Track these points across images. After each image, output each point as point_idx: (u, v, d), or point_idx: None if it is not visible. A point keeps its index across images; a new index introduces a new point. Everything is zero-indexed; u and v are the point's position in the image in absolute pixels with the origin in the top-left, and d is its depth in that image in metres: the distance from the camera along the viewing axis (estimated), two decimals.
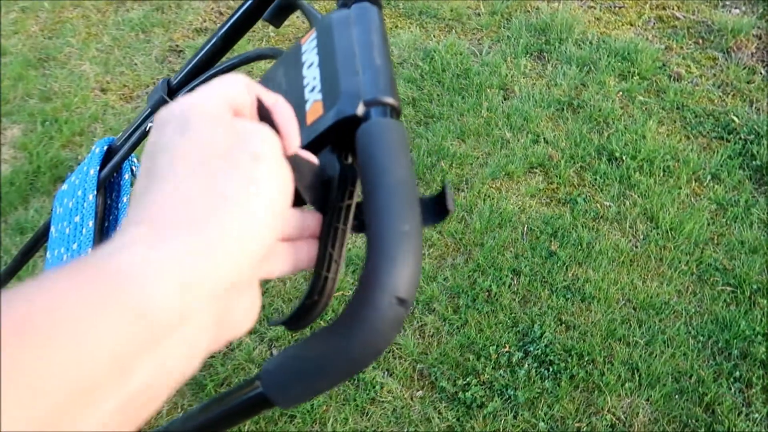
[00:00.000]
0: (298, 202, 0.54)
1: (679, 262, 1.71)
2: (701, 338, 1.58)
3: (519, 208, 1.86)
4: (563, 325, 1.63)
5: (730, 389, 1.50)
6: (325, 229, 0.44)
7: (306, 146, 0.46)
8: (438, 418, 1.52)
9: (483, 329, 1.63)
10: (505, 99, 2.17)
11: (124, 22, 2.75)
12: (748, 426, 1.44)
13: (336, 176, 0.45)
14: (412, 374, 1.61)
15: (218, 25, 2.61)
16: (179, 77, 0.80)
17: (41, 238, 1.09)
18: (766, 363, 1.51)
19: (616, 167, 1.92)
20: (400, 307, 0.36)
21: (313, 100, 0.47)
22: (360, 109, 0.43)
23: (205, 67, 0.79)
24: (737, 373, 1.52)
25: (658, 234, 1.77)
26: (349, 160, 0.48)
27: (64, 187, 0.93)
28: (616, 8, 2.46)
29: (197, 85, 0.79)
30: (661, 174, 1.89)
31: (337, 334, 0.37)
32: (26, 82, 2.53)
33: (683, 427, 1.46)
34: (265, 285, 1.81)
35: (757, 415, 1.46)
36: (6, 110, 2.43)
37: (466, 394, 1.54)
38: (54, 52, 2.65)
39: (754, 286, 1.64)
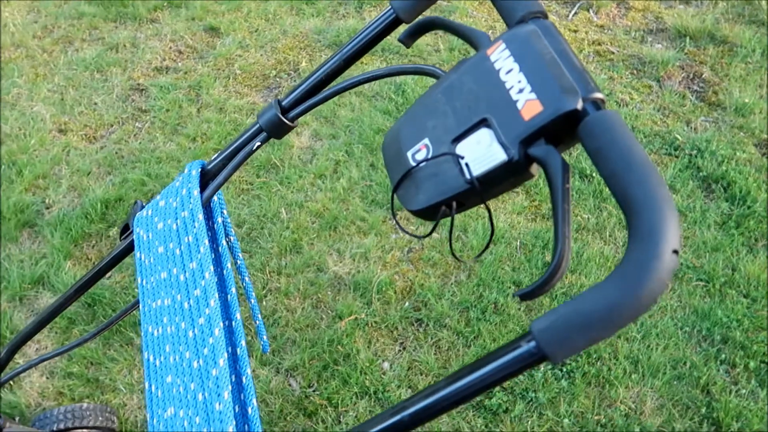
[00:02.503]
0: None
1: None
2: (687, 329, 1.76)
3: (509, 224, 2.00)
4: None
5: (719, 371, 1.68)
6: (558, 212, 0.52)
7: (523, 140, 0.54)
8: (468, 426, 1.58)
9: (496, 339, 1.72)
10: None
11: (76, 62, 2.66)
12: (739, 401, 1.61)
13: (558, 164, 0.53)
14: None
15: (179, 63, 2.60)
16: (291, 96, 0.83)
17: (107, 268, 1.05)
18: (744, 345, 1.71)
19: (589, 183, 2.12)
20: (676, 257, 0.44)
21: (526, 99, 0.55)
22: (579, 104, 0.52)
23: (322, 85, 0.83)
24: (722, 356, 1.70)
25: None
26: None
27: (147, 212, 0.92)
28: None
29: (315, 103, 0.82)
30: None
31: (624, 285, 0.44)
32: None
33: (686, 409, 1.61)
34: (274, 315, 1.80)
35: (744, 390, 1.64)
36: None
37: (491, 401, 1.61)
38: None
39: (722, 279, 1.86)
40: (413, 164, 0.63)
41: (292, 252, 1.95)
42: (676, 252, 0.43)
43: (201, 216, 0.83)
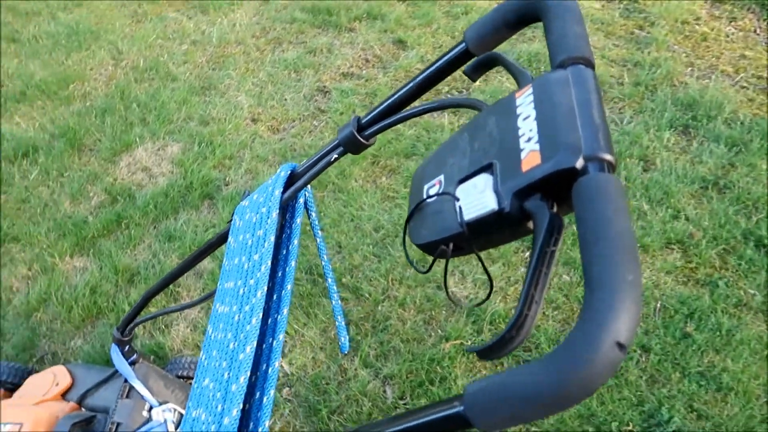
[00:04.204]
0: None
1: None
2: None
3: (653, 283, 1.80)
4: (694, 412, 1.54)
5: None
6: (530, 272, 0.47)
7: (517, 191, 0.50)
8: None
9: (605, 402, 1.58)
10: (644, 170, 2.13)
11: (279, 61, 3.00)
12: None
13: (545, 223, 0.48)
14: None
15: (364, 71, 2.79)
16: (369, 116, 0.87)
17: (214, 245, 1.20)
18: None
19: (765, 255, 1.82)
20: (620, 352, 0.37)
21: (530, 149, 0.51)
22: (579, 163, 0.46)
23: (397, 109, 0.85)
24: None
25: None
26: (554, 209, 0.50)
27: (245, 203, 1.02)
28: None
29: (386, 125, 0.85)
30: None
31: (551, 369, 0.39)
32: (189, 107, 2.81)
33: None
34: (386, 321, 1.86)
35: None
36: (169, 129, 2.71)
37: None
38: (216, 82, 2.93)
39: None
40: (424, 197, 0.63)
41: (418, 265, 1.99)
42: (621, 345, 0.38)
43: (275, 214, 0.91)
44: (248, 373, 0.77)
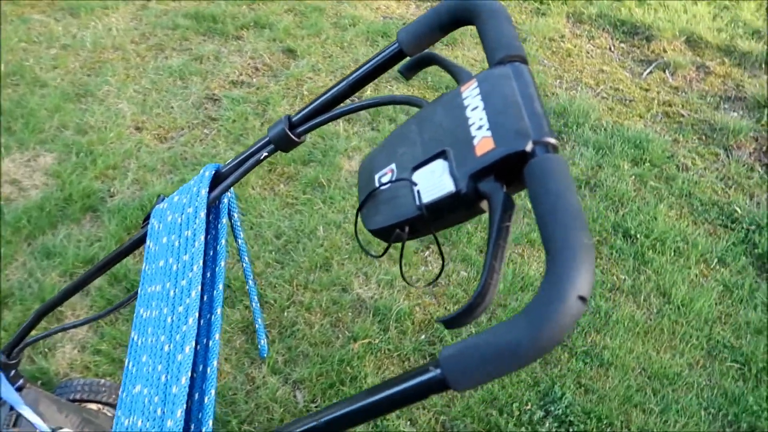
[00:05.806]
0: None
1: (690, 337, 1.81)
2: (712, 410, 1.66)
3: (540, 274, 1.96)
4: (582, 388, 1.70)
5: None
6: (491, 246, 0.53)
7: (473, 174, 0.56)
8: None
9: (506, 386, 1.69)
10: None
11: (162, 68, 2.88)
12: None
13: (500, 202, 0.54)
14: (435, 426, 1.64)
15: (254, 79, 2.76)
16: (300, 114, 0.89)
17: (125, 252, 1.14)
18: None
19: (631, 244, 2.05)
20: (583, 305, 0.44)
21: (482, 136, 0.57)
22: (529, 146, 0.53)
23: (329, 107, 0.88)
24: None
25: (670, 309, 1.88)
26: (504, 189, 0.57)
27: (164, 205, 0.99)
28: (627, 101, 2.68)
29: (319, 123, 0.87)
30: (672, 254, 2.03)
31: (526, 324, 0.45)
32: (63, 114, 2.61)
33: None
34: (293, 327, 1.85)
35: None
36: (40, 138, 2.50)
37: None
38: (93, 89, 2.75)
39: (760, 365, 1.74)
40: (377, 186, 0.66)
41: (322, 269, 2.01)
42: (582, 298, 0.44)
43: (203, 214, 0.89)
44: (189, 373, 0.75)
